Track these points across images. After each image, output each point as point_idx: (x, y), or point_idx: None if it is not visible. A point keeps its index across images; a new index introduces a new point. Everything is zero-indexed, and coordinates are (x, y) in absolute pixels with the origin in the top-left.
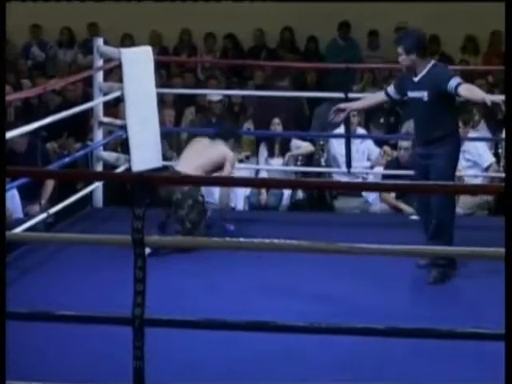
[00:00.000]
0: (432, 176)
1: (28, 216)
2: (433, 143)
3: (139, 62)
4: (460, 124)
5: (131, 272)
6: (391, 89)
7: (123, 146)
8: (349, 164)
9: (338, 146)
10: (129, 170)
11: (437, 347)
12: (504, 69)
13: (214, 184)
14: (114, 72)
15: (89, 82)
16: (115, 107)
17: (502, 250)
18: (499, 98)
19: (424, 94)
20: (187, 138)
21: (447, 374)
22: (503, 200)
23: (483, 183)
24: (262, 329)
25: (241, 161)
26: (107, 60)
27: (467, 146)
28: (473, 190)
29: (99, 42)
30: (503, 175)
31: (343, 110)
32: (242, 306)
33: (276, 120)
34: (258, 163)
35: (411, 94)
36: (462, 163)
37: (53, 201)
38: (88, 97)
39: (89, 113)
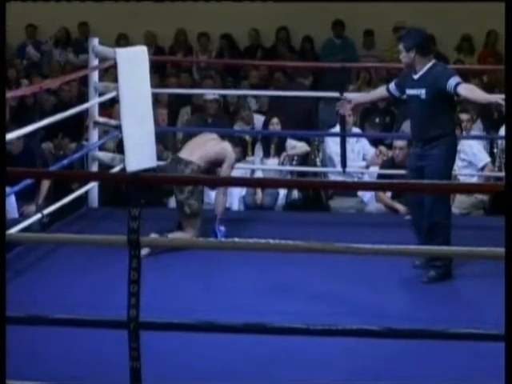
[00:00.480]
0: (427, 177)
1: (23, 216)
2: (429, 142)
3: (134, 62)
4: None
5: (126, 273)
6: (392, 86)
7: (119, 146)
8: (344, 164)
9: (333, 146)
10: (124, 170)
11: (432, 347)
12: (500, 69)
13: (212, 184)
14: (110, 72)
15: (84, 81)
16: (111, 107)
17: (499, 249)
18: (500, 97)
19: (422, 92)
20: (183, 138)
21: (443, 374)
22: (503, 199)
23: (478, 182)
24: (258, 331)
25: (237, 160)
26: (102, 60)
27: (462, 145)
28: (468, 188)
29: (94, 41)
30: (499, 174)
31: (349, 102)
32: (237, 307)
33: (275, 120)
34: (253, 163)
35: (409, 92)
36: (457, 163)
37: (48, 201)
38: (83, 97)
39: (84, 113)
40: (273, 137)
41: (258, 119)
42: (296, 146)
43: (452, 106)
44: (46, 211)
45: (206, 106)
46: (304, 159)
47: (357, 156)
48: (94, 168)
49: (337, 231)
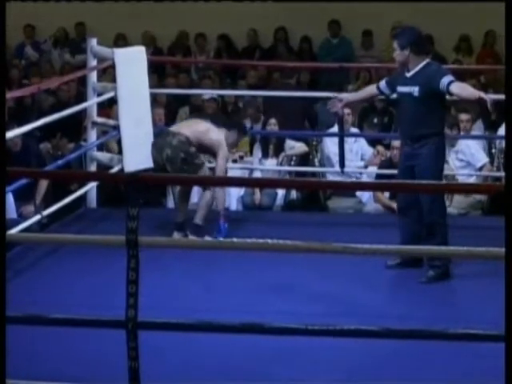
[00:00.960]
0: (418, 176)
1: (22, 216)
2: (418, 141)
3: (133, 62)
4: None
5: (125, 273)
6: (383, 84)
7: (118, 146)
8: (342, 164)
9: (331, 146)
10: (123, 170)
11: (431, 348)
12: (499, 69)
13: (211, 184)
14: (108, 72)
15: (82, 81)
16: (109, 107)
17: (497, 249)
18: (490, 96)
19: (415, 89)
20: None
21: (442, 375)
22: (502, 200)
23: (477, 182)
24: (256, 331)
25: (235, 161)
26: (100, 60)
27: (460, 145)
28: (466, 188)
29: (93, 41)
30: (497, 174)
31: (340, 101)
32: (235, 307)
33: (272, 120)
34: (252, 164)
35: (401, 89)
36: (455, 163)
37: (46, 201)
38: (81, 97)
39: (82, 113)
40: (271, 137)
41: None
42: (294, 147)
43: (443, 105)
44: (45, 212)
45: (204, 106)
46: (302, 159)
47: (355, 156)
48: (93, 168)
49: (335, 231)
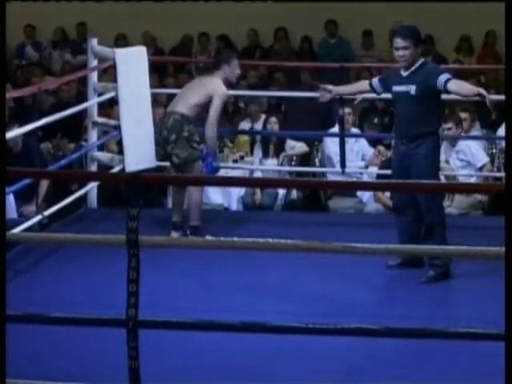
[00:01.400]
0: (415, 176)
1: (22, 216)
2: (414, 140)
3: (133, 63)
4: (451, 125)
5: (125, 272)
6: (376, 82)
7: (119, 147)
8: (343, 164)
9: (332, 146)
10: (123, 170)
11: (431, 347)
12: (499, 69)
13: (210, 184)
14: (109, 72)
15: (83, 82)
16: (109, 107)
17: (497, 249)
18: (487, 94)
19: (412, 88)
20: None
21: (442, 374)
22: (502, 199)
23: (477, 182)
24: (256, 330)
25: (235, 161)
26: (101, 60)
27: (461, 145)
28: (466, 188)
29: (93, 42)
30: (497, 174)
31: (329, 92)
32: (236, 306)
33: (273, 119)
34: (252, 163)
35: (397, 89)
36: (455, 163)
37: (47, 202)
38: (82, 97)
39: (83, 113)
40: (272, 137)
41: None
42: (295, 147)
43: (440, 104)
44: (46, 212)
45: None
46: (303, 159)
47: (356, 156)
48: (93, 168)
49: (335, 231)
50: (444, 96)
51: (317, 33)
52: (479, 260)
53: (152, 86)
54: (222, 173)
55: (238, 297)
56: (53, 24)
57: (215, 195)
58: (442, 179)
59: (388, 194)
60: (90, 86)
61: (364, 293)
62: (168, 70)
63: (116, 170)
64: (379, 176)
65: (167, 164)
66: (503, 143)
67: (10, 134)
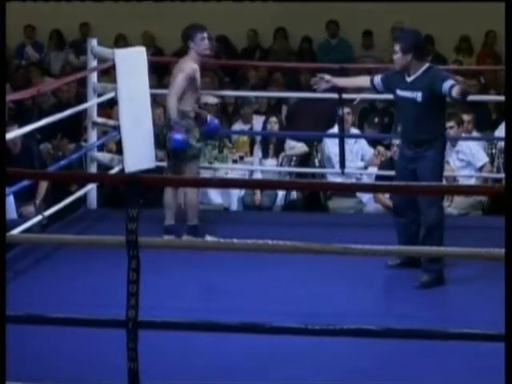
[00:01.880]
0: (421, 178)
1: (22, 217)
2: (420, 145)
3: (133, 63)
4: (453, 124)
5: (125, 273)
6: (377, 80)
7: (118, 147)
8: (343, 164)
9: (331, 147)
10: (123, 170)
11: (430, 348)
12: (499, 69)
13: (209, 185)
14: (108, 73)
15: (83, 82)
16: (109, 108)
17: (497, 250)
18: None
19: (418, 95)
20: None
21: (441, 375)
22: (502, 200)
23: (477, 183)
24: (256, 331)
25: (235, 161)
26: (101, 61)
27: (461, 146)
28: (466, 190)
29: (93, 42)
30: (497, 176)
31: (327, 82)
32: (235, 307)
33: (273, 119)
34: (252, 164)
35: (402, 94)
36: (455, 163)
37: (47, 202)
38: (82, 97)
39: (83, 113)
40: (272, 137)
41: (258, 120)
42: (295, 147)
43: (444, 108)
44: (46, 213)
45: (205, 108)
46: (303, 160)
47: (355, 156)
48: (93, 169)
49: (335, 232)
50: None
51: (317, 33)
52: (475, 263)
53: (151, 86)
54: (221, 173)
55: (237, 298)
56: (53, 24)
57: (215, 195)
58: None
59: (387, 194)
60: (89, 86)
61: (364, 293)
62: (169, 71)
63: (115, 170)
64: (379, 176)
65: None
66: (502, 143)
67: (9, 135)
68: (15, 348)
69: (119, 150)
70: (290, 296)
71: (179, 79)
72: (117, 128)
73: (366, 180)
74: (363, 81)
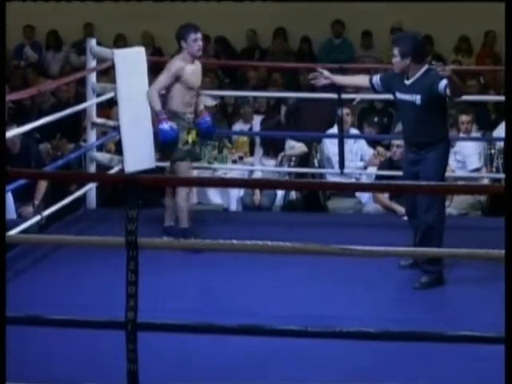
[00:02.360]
0: (423, 180)
1: (21, 217)
2: (423, 148)
3: (132, 63)
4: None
5: (124, 274)
6: (376, 80)
7: (118, 147)
8: (342, 164)
9: (331, 147)
10: (122, 171)
11: (428, 350)
12: (498, 69)
13: (208, 185)
14: (107, 73)
15: (82, 82)
16: (108, 108)
17: (497, 251)
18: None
19: (417, 98)
20: None
21: (439, 377)
22: (502, 200)
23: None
24: (255, 333)
25: (234, 161)
26: (100, 61)
27: (459, 146)
28: (464, 190)
29: (92, 42)
30: (497, 175)
31: (326, 78)
32: (235, 308)
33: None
34: (253, 164)
35: (401, 97)
36: (452, 164)
37: (46, 202)
38: (81, 97)
39: (82, 114)
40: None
41: (258, 120)
42: (294, 147)
43: (445, 109)
44: (45, 213)
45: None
46: (302, 160)
47: (355, 157)
48: (92, 169)
49: (335, 232)
50: None
51: (317, 33)
52: (475, 264)
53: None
54: (220, 173)
55: (237, 299)
56: (52, 25)
57: (214, 196)
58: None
59: (387, 194)
60: (88, 86)
61: (363, 295)
62: None
63: (115, 170)
64: (378, 177)
65: (166, 164)
66: (501, 144)
67: (8, 135)
68: (13, 349)
69: (118, 151)
70: (289, 297)
71: (160, 76)
72: (116, 128)
73: (365, 180)
74: (362, 80)
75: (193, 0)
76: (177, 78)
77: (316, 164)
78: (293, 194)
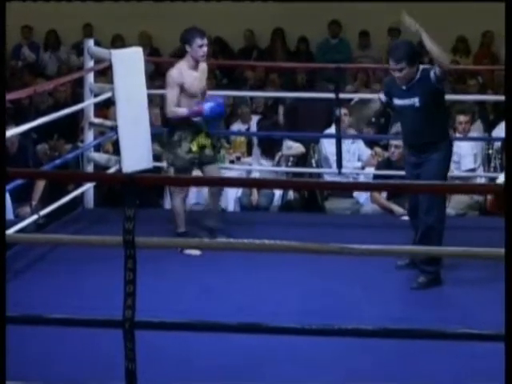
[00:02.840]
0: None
1: (19, 217)
2: (425, 150)
3: (130, 63)
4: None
5: (122, 273)
6: (382, 97)
7: (115, 147)
8: (339, 164)
9: (328, 147)
10: (120, 171)
11: (428, 348)
12: (495, 69)
13: (206, 184)
14: (105, 73)
15: (80, 83)
16: (106, 108)
17: (495, 249)
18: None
19: (415, 101)
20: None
21: (438, 375)
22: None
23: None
24: (253, 330)
25: (232, 162)
26: (98, 61)
27: (456, 146)
28: (461, 189)
29: (90, 43)
30: (485, 175)
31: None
32: (232, 307)
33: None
34: (251, 164)
35: (399, 102)
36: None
37: (43, 202)
38: (78, 98)
39: (79, 114)
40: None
41: (255, 120)
42: (292, 147)
43: (445, 110)
44: (42, 212)
45: None
46: (300, 160)
47: (352, 157)
48: (90, 169)
49: (332, 232)
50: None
51: (314, 33)
52: (473, 264)
53: (147, 87)
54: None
55: (234, 298)
56: (49, 25)
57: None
58: None
59: (384, 194)
60: (86, 86)
61: (361, 294)
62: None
63: (112, 170)
64: (376, 176)
65: (163, 165)
66: (499, 144)
67: (6, 135)
68: (11, 348)
69: (116, 151)
70: (287, 296)
71: (167, 93)
72: (113, 128)
73: (362, 180)
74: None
75: (190, 0)
76: (181, 86)
77: (314, 164)
78: (290, 195)
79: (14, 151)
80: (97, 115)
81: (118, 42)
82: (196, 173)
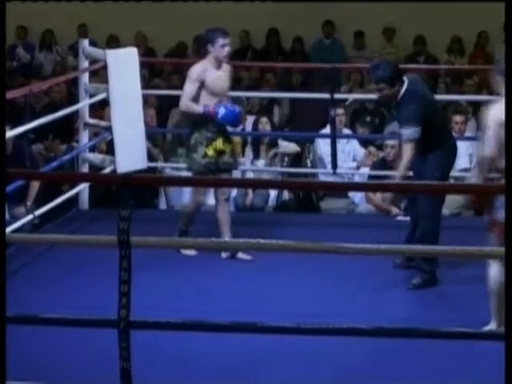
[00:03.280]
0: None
1: (14, 217)
2: (425, 160)
3: (125, 64)
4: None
5: (117, 273)
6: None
7: (110, 148)
8: (334, 165)
9: (323, 147)
10: (115, 171)
11: (423, 347)
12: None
13: (204, 185)
14: (100, 73)
15: (74, 83)
16: (101, 109)
17: (489, 248)
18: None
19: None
20: (172, 139)
21: (434, 374)
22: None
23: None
24: (248, 330)
25: None
26: (93, 61)
27: None
28: (457, 189)
29: (85, 43)
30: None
31: None
32: (228, 307)
33: (264, 119)
34: (244, 164)
35: (391, 128)
36: None
37: (38, 202)
38: (73, 98)
39: (74, 114)
40: (263, 137)
41: (250, 120)
42: (287, 146)
43: (437, 120)
44: (37, 212)
45: None
46: (295, 160)
47: (347, 157)
48: (85, 169)
49: (327, 232)
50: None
51: (309, 34)
52: (468, 264)
53: (142, 87)
54: None
55: (230, 298)
56: (45, 25)
57: (207, 197)
58: None
59: (379, 195)
60: (81, 87)
61: (356, 294)
62: (163, 72)
63: (107, 170)
64: (371, 177)
65: (158, 165)
66: None
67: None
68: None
69: (110, 151)
70: (283, 297)
71: (185, 86)
72: (108, 129)
73: (357, 180)
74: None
75: (185, 0)
76: (201, 84)
77: (309, 164)
78: (286, 195)
79: (9, 152)
80: (92, 116)
81: (113, 43)
82: None
